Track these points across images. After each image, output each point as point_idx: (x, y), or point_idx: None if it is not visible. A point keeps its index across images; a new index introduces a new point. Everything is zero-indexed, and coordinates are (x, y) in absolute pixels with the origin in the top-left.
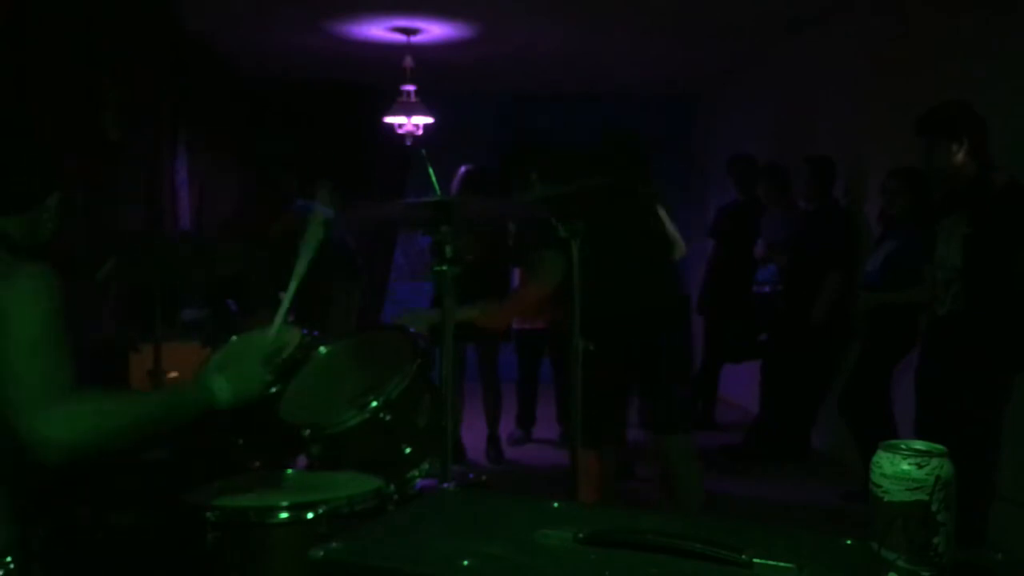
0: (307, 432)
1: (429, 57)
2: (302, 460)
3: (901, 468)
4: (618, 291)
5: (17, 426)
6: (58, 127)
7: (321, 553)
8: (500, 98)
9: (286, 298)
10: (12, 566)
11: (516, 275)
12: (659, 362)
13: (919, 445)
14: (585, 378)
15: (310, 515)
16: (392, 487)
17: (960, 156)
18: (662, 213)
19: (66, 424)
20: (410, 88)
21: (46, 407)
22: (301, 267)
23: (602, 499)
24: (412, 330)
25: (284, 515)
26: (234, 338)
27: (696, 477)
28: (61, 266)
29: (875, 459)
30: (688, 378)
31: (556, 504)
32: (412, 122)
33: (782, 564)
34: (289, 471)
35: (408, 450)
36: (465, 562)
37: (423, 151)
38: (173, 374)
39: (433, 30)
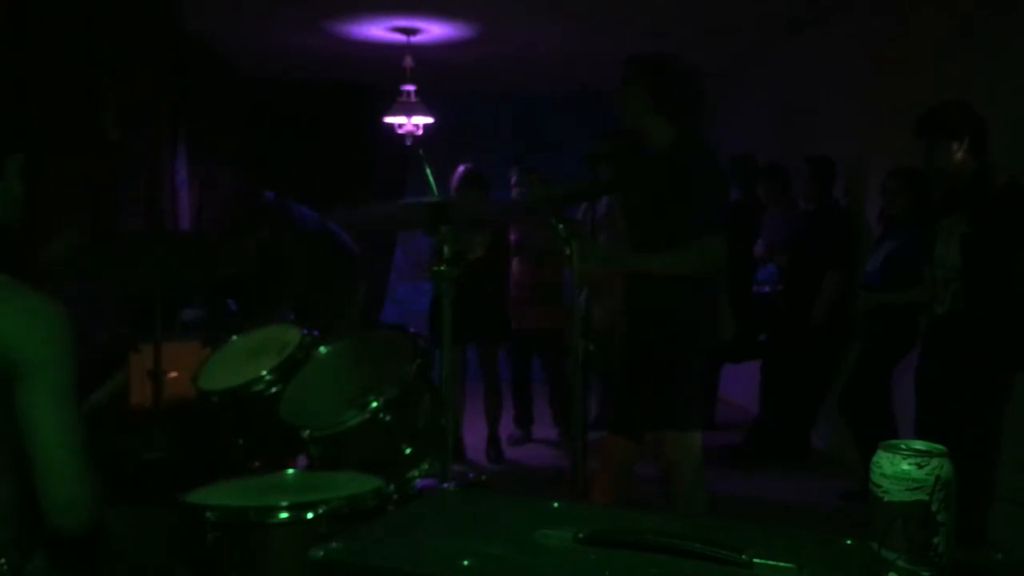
0: (307, 432)
1: (429, 57)
2: (302, 460)
3: (901, 468)
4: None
5: (46, 495)
6: (58, 127)
7: (321, 553)
8: (500, 98)
9: None
10: (6, 568)
11: (514, 263)
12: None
13: (919, 445)
14: (633, 367)
15: (310, 515)
16: (392, 487)
17: (960, 155)
18: None
19: (94, 501)
20: (410, 88)
21: (79, 489)
22: None
23: (615, 490)
24: (412, 330)
25: (284, 515)
26: (234, 338)
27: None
28: (61, 266)
29: (875, 459)
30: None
31: (556, 504)
32: (412, 122)
33: (782, 564)
34: (289, 471)
35: (408, 450)
36: (465, 562)
37: (420, 151)
38: (173, 374)
39: (433, 30)
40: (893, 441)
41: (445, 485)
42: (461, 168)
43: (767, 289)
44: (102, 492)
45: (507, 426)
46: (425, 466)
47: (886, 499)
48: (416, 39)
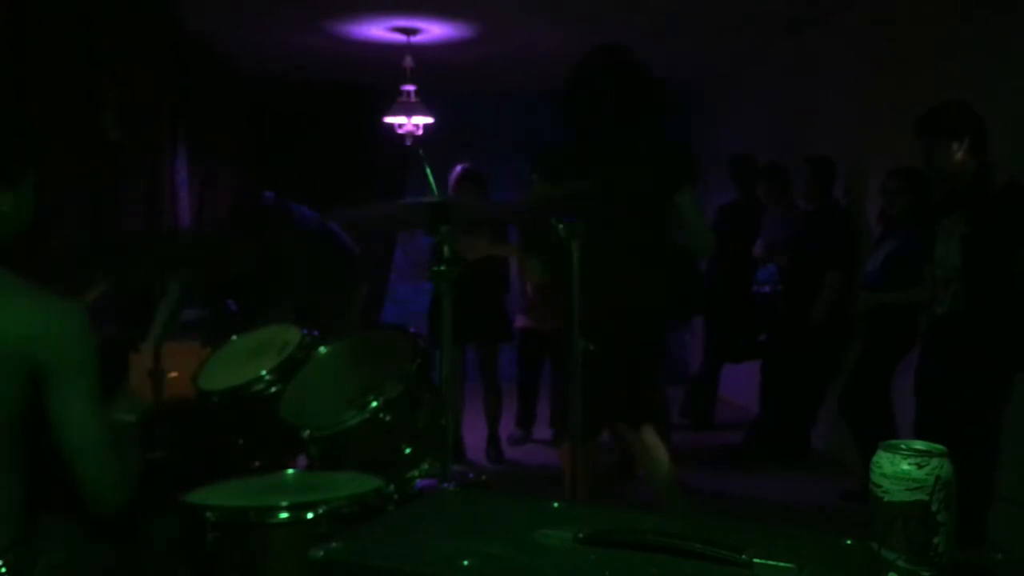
0: (307, 432)
1: (429, 57)
2: (302, 460)
3: (901, 468)
4: (616, 287)
5: (84, 480)
6: (58, 127)
7: (321, 553)
8: (500, 98)
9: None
10: (4, 569)
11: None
12: (656, 360)
13: (919, 445)
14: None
15: (310, 515)
16: (392, 487)
17: (960, 155)
18: (687, 206)
19: (127, 488)
20: (410, 88)
21: (112, 474)
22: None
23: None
24: (412, 330)
25: (284, 515)
26: (234, 338)
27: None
28: (61, 266)
29: (875, 459)
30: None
31: (556, 504)
32: (412, 122)
33: (782, 564)
34: (289, 471)
35: (408, 450)
36: (465, 562)
37: (420, 151)
38: (173, 374)
39: (433, 30)
40: (893, 441)
41: (445, 485)
42: (459, 168)
43: (767, 289)
44: (138, 468)
45: (507, 426)
46: (425, 466)
47: (886, 499)
48: (416, 39)
